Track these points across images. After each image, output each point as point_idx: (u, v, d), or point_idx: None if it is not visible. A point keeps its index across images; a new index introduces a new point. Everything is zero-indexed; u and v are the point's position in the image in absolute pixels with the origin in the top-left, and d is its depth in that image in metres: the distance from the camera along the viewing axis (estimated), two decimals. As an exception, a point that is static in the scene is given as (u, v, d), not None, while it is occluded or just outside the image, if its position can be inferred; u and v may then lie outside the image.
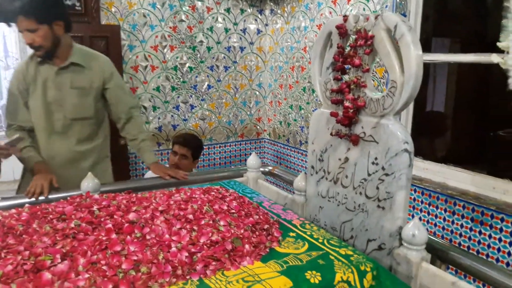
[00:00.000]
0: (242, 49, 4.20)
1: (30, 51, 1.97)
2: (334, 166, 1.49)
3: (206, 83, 4.06)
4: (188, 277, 1.02)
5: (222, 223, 1.21)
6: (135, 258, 1.02)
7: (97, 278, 0.94)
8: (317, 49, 1.53)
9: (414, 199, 2.74)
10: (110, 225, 1.12)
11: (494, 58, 2.11)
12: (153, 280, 0.98)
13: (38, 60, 1.95)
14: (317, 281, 1.05)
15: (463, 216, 2.45)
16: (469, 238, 2.43)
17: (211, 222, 1.20)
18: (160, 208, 1.25)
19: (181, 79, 3.90)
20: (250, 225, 1.25)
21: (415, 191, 2.72)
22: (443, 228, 2.58)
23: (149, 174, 2.12)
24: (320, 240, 1.28)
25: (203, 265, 1.05)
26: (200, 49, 3.95)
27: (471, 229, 2.42)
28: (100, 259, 0.99)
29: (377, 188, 1.31)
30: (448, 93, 3.38)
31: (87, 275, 0.94)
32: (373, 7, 2.96)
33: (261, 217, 1.34)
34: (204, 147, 3.89)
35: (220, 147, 4.29)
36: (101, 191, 1.71)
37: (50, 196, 1.74)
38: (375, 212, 1.33)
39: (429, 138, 3.27)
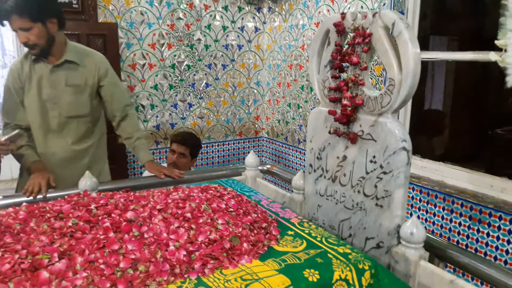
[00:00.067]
0: (240, 47, 4.20)
1: (27, 50, 1.96)
2: (332, 164, 1.49)
3: (204, 81, 4.05)
4: (186, 275, 1.01)
5: (220, 221, 1.21)
6: (133, 256, 1.01)
7: (94, 277, 0.93)
8: (315, 47, 1.52)
9: (412, 198, 2.74)
10: (108, 224, 1.11)
11: (492, 56, 2.11)
12: (151, 279, 0.97)
13: (33, 58, 1.94)
14: (315, 280, 1.05)
15: (461, 215, 2.46)
16: (467, 237, 2.44)
17: (209, 220, 1.20)
18: (158, 207, 1.25)
19: (179, 77, 3.90)
20: (248, 223, 1.25)
21: (413, 189, 2.72)
22: (441, 227, 2.58)
23: (147, 172, 2.12)
24: (318, 239, 1.27)
25: (201, 264, 1.05)
26: (198, 47, 3.94)
27: (469, 227, 2.42)
28: (98, 258, 0.99)
29: (375, 186, 1.31)
30: (446, 91, 3.39)
31: (84, 274, 0.94)
32: (371, 4, 2.96)
33: (259, 215, 1.33)
34: (202, 145, 3.89)
35: (218, 145, 4.29)
36: (99, 189, 1.71)
37: (47, 195, 1.74)
38: (373, 211, 1.33)
39: (427, 136, 3.27)
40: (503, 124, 2.87)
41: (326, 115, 1.48)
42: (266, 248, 1.19)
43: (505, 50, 2.01)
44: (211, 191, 1.44)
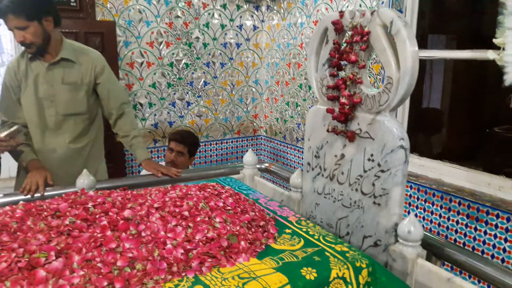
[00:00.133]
0: (238, 45, 4.19)
1: (24, 48, 1.95)
2: (330, 163, 1.49)
3: (202, 80, 4.04)
4: (183, 274, 1.01)
5: (217, 220, 1.21)
6: (130, 255, 1.01)
7: (92, 275, 0.93)
8: (313, 45, 1.52)
9: (410, 196, 2.74)
10: (105, 222, 1.11)
11: (490, 54, 2.12)
12: (148, 277, 0.97)
13: (29, 56, 1.94)
14: (312, 278, 1.05)
15: (458, 213, 2.46)
16: (465, 235, 2.44)
17: (206, 219, 1.20)
18: (155, 205, 1.24)
19: (177, 76, 3.89)
20: (246, 222, 1.25)
21: (411, 187, 2.73)
22: (439, 225, 2.59)
23: (145, 171, 2.12)
24: (316, 237, 1.27)
25: (199, 262, 1.05)
26: (196, 46, 3.93)
27: (466, 226, 2.43)
28: (95, 256, 0.99)
29: (373, 184, 1.31)
30: (444, 89, 3.39)
31: (81, 272, 0.94)
32: (369, 3, 2.95)
33: (257, 213, 1.33)
34: (201, 144, 3.89)
35: (216, 144, 4.28)
36: (97, 188, 1.71)
37: (45, 193, 1.74)
38: (371, 209, 1.33)
39: (425, 134, 3.28)
40: (501, 122, 2.88)
41: (324, 113, 1.48)
42: (263, 247, 1.19)
43: (503, 49, 2.01)
44: (209, 190, 1.44)
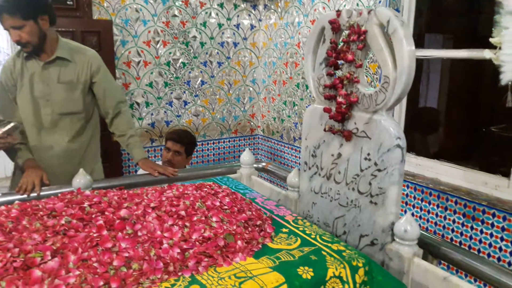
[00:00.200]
0: (235, 44, 4.19)
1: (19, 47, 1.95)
2: (327, 162, 1.49)
3: (200, 79, 4.04)
4: (180, 273, 1.01)
5: (214, 219, 1.20)
6: (127, 254, 1.01)
7: (87, 275, 0.93)
8: (310, 44, 1.52)
9: (407, 195, 2.75)
10: (101, 222, 1.11)
11: (486, 53, 2.12)
12: (145, 277, 0.97)
13: (25, 55, 1.94)
14: (309, 277, 1.05)
15: (455, 212, 2.47)
16: (461, 234, 2.45)
17: (203, 218, 1.20)
18: (152, 205, 1.24)
19: (174, 75, 3.88)
20: (243, 221, 1.25)
21: (407, 186, 2.73)
22: (435, 224, 2.59)
23: (142, 171, 2.11)
24: (313, 236, 1.27)
25: (195, 262, 1.05)
26: (193, 45, 3.93)
27: (463, 225, 2.44)
28: (91, 256, 0.99)
29: (370, 183, 1.31)
30: (441, 89, 3.40)
31: (77, 272, 0.93)
32: (367, 2, 2.96)
33: (253, 213, 1.33)
34: (198, 143, 3.88)
35: (213, 143, 4.28)
36: (93, 187, 1.70)
37: (41, 193, 1.73)
38: (368, 208, 1.33)
39: (422, 134, 3.28)
40: (497, 121, 2.89)
41: (321, 112, 1.48)
42: (260, 246, 1.18)
43: (500, 48, 2.02)
44: (206, 189, 1.44)
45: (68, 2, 3.27)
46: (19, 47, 1.92)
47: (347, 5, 3.13)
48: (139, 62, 3.68)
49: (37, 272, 0.91)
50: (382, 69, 1.24)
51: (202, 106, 4.11)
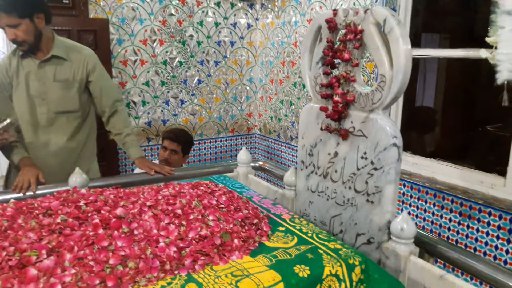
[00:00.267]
0: (232, 43, 4.18)
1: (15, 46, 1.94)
2: (324, 161, 1.49)
3: (196, 78, 4.03)
4: (176, 272, 1.01)
5: (211, 217, 1.20)
6: (123, 253, 1.01)
7: (83, 274, 0.93)
8: (306, 43, 1.52)
9: (403, 194, 2.76)
10: (97, 220, 1.11)
11: (482, 53, 2.13)
12: (141, 275, 0.97)
13: (20, 54, 1.93)
14: (305, 275, 1.05)
15: (451, 210, 2.48)
16: (457, 232, 2.46)
17: (200, 217, 1.20)
18: (148, 203, 1.24)
19: (171, 74, 3.88)
20: (239, 219, 1.25)
21: (404, 185, 2.74)
22: (432, 223, 2.60)
23: (139, 169, 2.11)
24: (309, 234, 1.28)
25: (192, 260, 1.04)
26: (190, 44, 3.92)
27: (459, 223, 2.44)
28: (87, 255, 0.98)
29: (366, 182, 1.31)
30: (438, 88, 3.41)
31: (73, 271, 0.93)
32: (363, 1, 2.96)
33: (250, 211, 1.33)
34: (195, 142, 3.87)
35: (210, 142, 4.28)
36: (89, 186, 1.70)
37: (37, 192, 1.72)
38: (364, 206, 1.33)
39: (419, 133, 3.29)
40: (493, 120, 2.90)
41: (317, 111, 1.48)
42: (257, 244, 1.18)
43: (496, 47, 2.02)
44: (202, 188, 1.44)
45: (64, 1, 3.25)
46: (14, 45, 1.91)
47: (343, 4, 3.14)
48: (135, 61, 3.67)
49: (32, 271, 0.91)
50: (379, 68, 1.24)
51: (199, 105, 4.11)
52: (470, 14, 3.17)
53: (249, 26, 4.25)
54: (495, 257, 2.27)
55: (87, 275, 0.92)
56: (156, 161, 2.53)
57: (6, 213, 1.16)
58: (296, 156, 3.72)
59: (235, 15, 4.13)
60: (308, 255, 1.14)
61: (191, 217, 1.19)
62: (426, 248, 1.33)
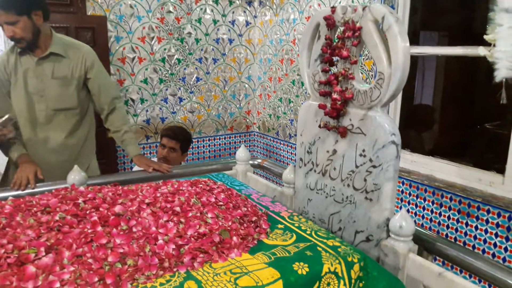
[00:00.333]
0: (231, 41, 4.18)
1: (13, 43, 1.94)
2: (322, 158, 1.49)
3: (195, 76, 4.03)
4: (175, 269, 1.01)
5: (209, 215, 1.20)
6: (121, 250, 1.01)
7: (82, 271, 0.93)
8: (305, 41, 1.52)
9: (402, 191, 2.76)
10: (95, 218, 1.10)
11: (481, 50, 2.13)
12: (140, 273, 0.97)
13: (19, 51, 1.93)
14: (304, 272, 1.05)
15: (450, 208, 2.48)
16: (456, 230, 2.46)
17: (198, 214, 1.20)
18: (146, 201, 1.24)
19: (169, 71, 3.87)
20: (238, 217, 1.25)
21: (402, 183, 2.74)
22: (431, 220, 2.60)
23: (138, 167, 2.10)
24: (308, 232, 1.28)
25: (191, 258, 1.04)
26: (188, 41, 3.91)
27: (458, 221, 2.45)
28: (86, 252, 0.98)
29: (365, 180, 1.31)
30: (436, 86, 3.41)
31: (72, 268, 0.93)
32: (362, -1, 2.96)
33: (249, 209, 1.33)
34: (193, 140, 3.87)
35: (209, 140, 4.27)
36: (88, 184, 1.69)
37: (34, 189, 1.72)
38: (363, 204, 1.33)
39: (417, 130, 3.29)
40: (491, 118, 2.90)
41: (316, 109, 1.48)
42: (255, 242, 1.18)
43: (494, 45, 2.02)
44: (201, 185, 1.44)
45: (62, -2, 3.24)
46: (12, 42, 1.91)
47: (342, 1, 3.13)
48: (133, 59, 3.66)
49: (31, 268, 0.91)
50: (377, 66, 1.24)
51: (197, 102, 4.10)
52: (468, 12, 3.17)
53: (247, 23, 4.24)
54: (493, 255, 2.28)
55: (86, 273, 0.92)
56: (155, 159, 2.53)
57: (4, 211, 1.16)
58: (295, 154, 3.73)
59: (233, 12, 4.12)
60: (307, 252, 1.14)
61: (190, 214, 1.19)
62: (425, 245, 1.33)
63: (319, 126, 1.46)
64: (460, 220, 2.43)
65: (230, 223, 1.19)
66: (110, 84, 2.15)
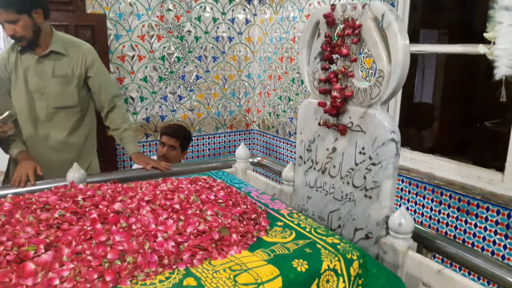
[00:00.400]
0: (230, 39, 4.17)
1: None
2: (322, 156, 1.49)
3: (195, 74, 4.02)
4: (174, 266, 1.01)
5: (209, 212, 1.20)
6: (121, 248, 1.01)
7: (81, 268, 0.93)
8: (305, 39, 1.52)
9: (402, 189, 2.76)
10: (95, 215, 1.10)
11: (480, 48, 2.13)
12: (139, 270, 0.97)
13: (19, 49, 1.93)
14: (304, 270, 1.05)
15: (449, 206, 2.48)
16: (455, 228, 2.46)
17: (198, 211, 1.20)
18: (146, 198, 1.24)
19: (169, 70, 3.87)
20: (238, 214, 1.25)
21: (402, 181, 2.74)
22: (430, 218, 2.61)
23: (137, 165, 2.10)
24: (307, 229, 1.28)
25: (190, 255, 1.04)
26: (188, 39, 3.91)
27: (457, 219, 2.45)
28: (85, 249, 0.98)
29: (364, 177, 1.31)
30: (436, 84, 3.41)
31: (71, 265, 0.93)
32: (362, -3, 2.95)
33: (248, 206, 1.33)
34: (193, 138, 3.87)
35: (209, 138, 4.27)
36: (87, 181, 1.69)
37: (34, 187, 1.72)
38: (362, 202, 1.33)
39: (417, 128, 3.29)
40: (491, 116, 2.90)
41: (316, 107, 1.48)
42: (255, 239, 1.19)
43: (494, 43, 2.02)
44: (200, 183, 1.44)
45: (61, -4, 3.24)
46: (12, 41, 1.91)
47: (342, -1, 3.13)
48: (133, 57, 3.66)
49: (30, 265, 0.91)
50: (377, 63, 1.24)
51: (197, 101, 4.10)
52: (468, 9, 3.16)
53: (247, 21, 4.24)
54: (492, 252, 2.28)
55: (85, 270, 0.92)
56: (155, 157, 2.53)
57: (3, 208, 1.16)
58: (295, 152, 3.73)
59: (233, 10, 4.12)
60: (306, 249, 1.14)
61: (189, 212, 1.19)
62: (424, 243, 1.33)
63: (319, 124, 1.46)
64: (459, 218, 2.44)
65: (229, 221, 1.19)
66: (111, 82, 2.15)
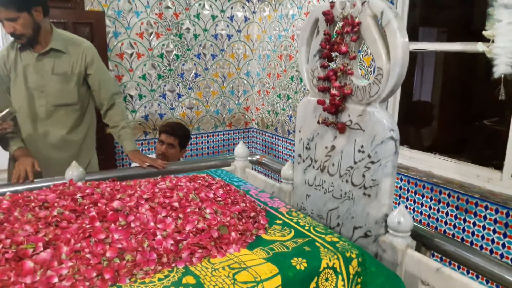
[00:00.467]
0: (229, 37, 4.17)
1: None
2: (321, 154, 1.49)
3: (193, 72, 4.02)
4: (173, 264, 1.01)
5: (208, 210, 1.20)
6: (120, 246, 1.00)
7: (80, 266, 0.92)
8: (304, 36, 1.51)
9: (400, 188, 2.76)
10: (94, 213, 1.10)
11: (479, 46, 2.13)
12: (138, 268, 0.97)
13: (19, 46, 1.93)
14: (302, 268, 1.05)
15: (448, 204, 2.49)
16: (454, 226, 2.47)
17: (197, 210, 1.20)
18: (145, 196, 1.23)
19: (168, 67, 3.86)
20: (237, 212, 1.25)
21: (401, 179, 2.74)
22: (429, 216, 2.61)
23: (136, 163, 2.10)
24: (306, 227, 1.28)
25: (189, 253, 1.04)
26: (186, 37, 3.90)
27: (456, 217, 2.45)
28: (84, 247, 0.98)
29: (363, 175, 1.31)
30: (435, 82, 3.41)
31: (70, 263, 0.93)
32: (361, -5, 2.95)
33: (247, 204, 1.33)
34: (192, 136, 3.87)
35: (207, 136, 4.27)
36: (86, 179, 1.69)
37: (33, 185, 1.72)
38: (361, 200, 1.33)
39: (416, 127, 3.30)
40: (490, 115, 2.91)
41: (315, 105, 1.47)
42: (254, 237, 1.18)
43: (493, 41, 2.02)
44: (199, 181, 1.43)
45: (60, -7, 3.23)
46: (12, 38, 1.91)
47: (341, -3, 3.12)
48: (132, 54, 3.65)
49: (29, 263, 0.90)
50: (376, 61, 1.24)
51: (196, 99, 4.10)
52: (467, 7, 3.16)
53: (246, 19, 4.23)
54: (491, 251, 2.29)
55: (84, 268, 0.92)
56: (153, 155, 2.52)
57: (2, 206, 1.15)
58: (293, 150, 3.73)
59: (232, 8, 4.11)
60: (305, 248, 1.14)
61: (188, 210, 1.19)
62: (423, 241, 1.33)
63: (318, 122, 1.46)
64: (458, 216, 2.44)
65: (228, 219, 1.19)
66: (110, 80, 2.15)
